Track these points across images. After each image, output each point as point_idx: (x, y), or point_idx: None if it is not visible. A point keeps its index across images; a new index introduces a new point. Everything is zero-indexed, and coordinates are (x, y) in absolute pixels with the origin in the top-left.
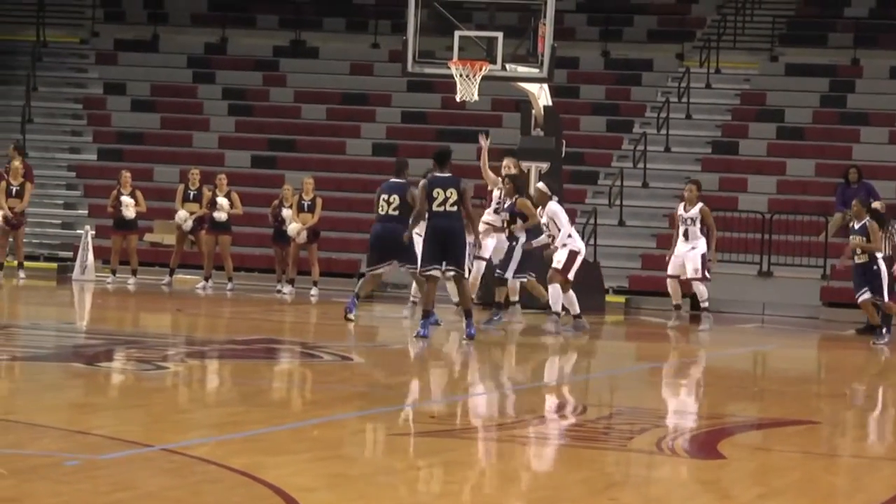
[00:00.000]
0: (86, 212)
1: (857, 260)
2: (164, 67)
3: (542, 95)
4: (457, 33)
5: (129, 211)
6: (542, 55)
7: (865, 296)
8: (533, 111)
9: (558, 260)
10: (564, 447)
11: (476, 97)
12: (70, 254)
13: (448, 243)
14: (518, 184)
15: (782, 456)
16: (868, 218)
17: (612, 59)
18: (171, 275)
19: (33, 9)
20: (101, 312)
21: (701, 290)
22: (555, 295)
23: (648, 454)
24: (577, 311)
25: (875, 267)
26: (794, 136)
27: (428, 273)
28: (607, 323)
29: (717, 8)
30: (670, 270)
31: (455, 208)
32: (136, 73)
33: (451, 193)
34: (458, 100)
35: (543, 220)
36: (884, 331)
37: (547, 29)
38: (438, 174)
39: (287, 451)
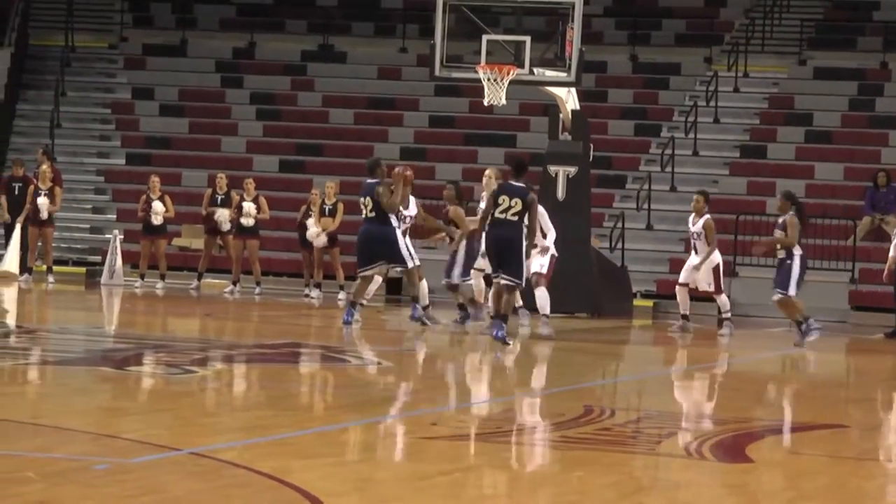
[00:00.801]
0: (114, 216)
1: (778, 255)
2: (193, 72)
3: (569, 99)
4: (484, 37)
5: (158, 218)
6: (570, 59)
7: (776, 297)
8: (561, 115)
9: (541, 264)
10: (593, 451)
11: (504, 101)
12: (98, 258)
13: (505, 252)
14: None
15: (811, 460)
16: (791, 212)
17: (640, 63)
18: (199, 279)
19: (62, 14)
20: (129, 316)
21: (723, 300)
22: (543, 298)
23: (677, 458)
24: (548, 311)
25: (788, 261)
26: (823, 139)
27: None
28: (635, 327)
29: (745, 12)
30: (681, 278)
31: (516, 218)
32: (165, 77)
33: (517, 203)
34: (485, 104)
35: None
36: (803, 328)
37: (575, 33)
38: (513, 182)
39: (314, 454)
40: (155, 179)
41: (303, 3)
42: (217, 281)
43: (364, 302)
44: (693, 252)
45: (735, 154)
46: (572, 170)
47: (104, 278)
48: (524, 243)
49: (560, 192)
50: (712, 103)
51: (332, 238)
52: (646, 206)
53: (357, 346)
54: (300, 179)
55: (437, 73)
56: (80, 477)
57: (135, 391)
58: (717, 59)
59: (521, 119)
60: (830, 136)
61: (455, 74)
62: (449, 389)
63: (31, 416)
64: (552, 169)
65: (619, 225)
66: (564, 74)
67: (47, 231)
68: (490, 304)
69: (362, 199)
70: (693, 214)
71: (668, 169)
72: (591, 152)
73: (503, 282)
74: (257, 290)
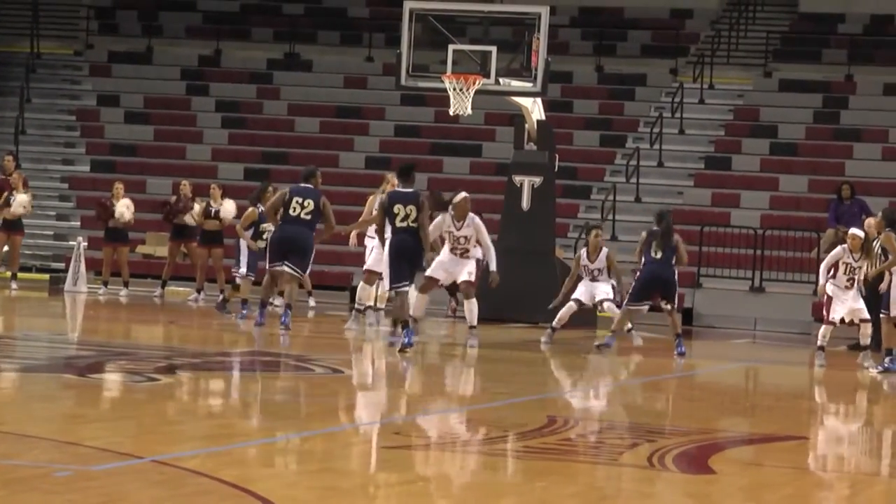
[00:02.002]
0: (78, 223)
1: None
2: (158, 80)
3: (535, 110)
4: (451, 47)
5: (125, 212)
6: (536, 69)
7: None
8: (526, 125)
9: (469, 272)
10: (555, 462)
11: (469, 111)
12: (62, 265)
13: (412, 258)
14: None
15: (774, 471)
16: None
17: (606, 74)
18: (163, 287)
19: (27, 20)
20: (92, 324)
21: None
22: (472, 310)
23: (639, 469)
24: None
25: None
26: (788, 151)
27: (399, 289)
28: (598, 338)
29: (710, 23)
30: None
31: (416, 224)
32: (130, 85)
33: (411, 210)
34: (451, 113)
35: (468, 233)
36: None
37: (541, 43)
38: (401, 189)
39: (277, 463)
40: (118, 186)
41: (269, 11)
42: (181, 289)
43: (273, 300)
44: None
45: (700, 165)
46: (537, 180)
47: (68, 285)
48: (313, 243)
49: (525, 203)
50: (678, 115)
51: None
52: (610, 216)
53: (322, 355)
54: None
55: (403, 82)
56: (42, 484)
57: (98, 399)
58: (682, 71)
59: (487, 129)
60: (795, 149)
61: (421, 84)
62: (413, 398)
63: None
64: (517, 179)
65: (584, 236)
66: (530, 85)
67: (17, 238)
68: (395, 311)
69: (300, 200)
70: (587, 251)
71: (633, 180)
72: (557, 163)
73: (289, 272)
74: (221, 298)
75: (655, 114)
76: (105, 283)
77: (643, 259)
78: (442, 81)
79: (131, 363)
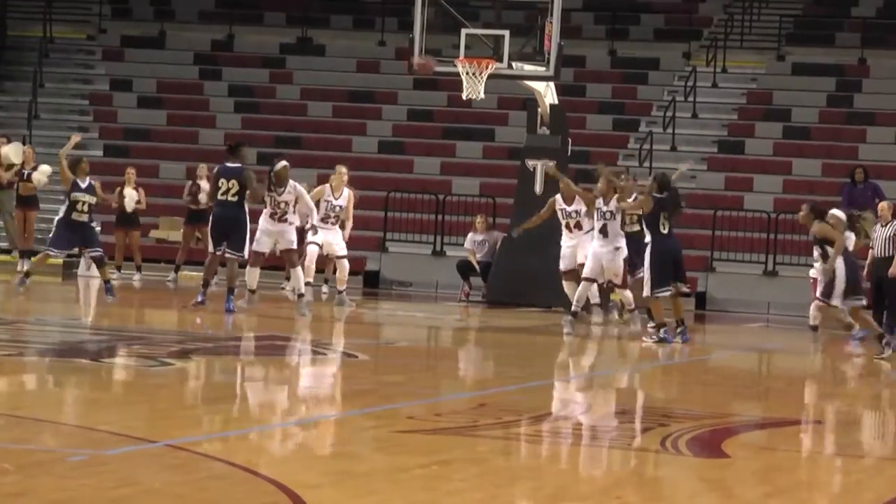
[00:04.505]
0: None
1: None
2: (171, 64)
3: (548, 94)
4: (463, 31)
5: (131, 205)
6: (549, 53)
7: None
8: (539, 109)
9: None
10: (569, 446)
11: (482, 95)
12: (76, 250)
13: (230, 230)
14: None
15: (787, 455)
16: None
17: (619, 58)
18: (176, 271)
19: (41, 5)
20: (106, 308)
21: (627, 296)
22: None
23: (653, 453)
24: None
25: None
26: (801, 135)
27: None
28: (610, 322)
29: (723, 7)
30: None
31: (236, 198)
32: (143, 69)
33: (234, 184)
34: (464, 98)
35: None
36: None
37: (553, 27)
38: (228, 164)
39: (290, 447)
40: (130, 171)
41: None
42: (195, 273)
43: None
44: (601, 236)
45: (713, 149)
46: (551, 164)
47: (81, 270)
48: (247, 221)
49: (538, 187)
50: (690, 98)
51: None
52: None
53: (335, 340)
54: None
55: (415, 66)
56: (56, 468)
57: (111, 383)
58: (695, 55)
59: (500, 113)
60: (808, 132)
61: (434, 68)
62: (426, 383)
63: (7, 407)
64: (530, 163)
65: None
66: (543, 69)
67: (31, 213)
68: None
69: (224, 181)
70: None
71: (647, 164)
72: (570, 146)
73: (228, 255)
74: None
75: (668, 98)
76: (118, 268)
77: (649, 234)
78: (455, 66)
79: (145, 348)
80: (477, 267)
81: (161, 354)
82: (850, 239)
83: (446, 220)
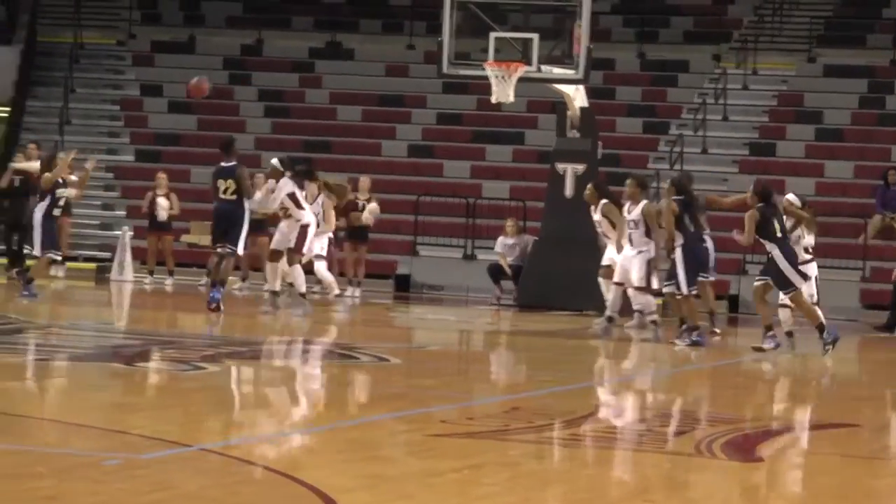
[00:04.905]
0: (124, 213)
1: None
2: (201, 69)
3: (577, 97)
4: (492, 35)
5: (163, 213)
6: (578, 56)
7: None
8: (569, 113)
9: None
10: (602, 449)
11: (512, 98)
12: (108, 254)
13: (230, 227)
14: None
15: (822, 459)
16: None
17: (648, 61)
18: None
19: (71, 11)
20: (139, 312)
21: (647, 300)
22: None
23: (686, 456)
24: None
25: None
26: (833, 137)
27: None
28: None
29: (753, 9)
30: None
31: (235, 196)
32: (173, 74)
33: (231, 183)
34: (493, 101)
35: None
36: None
37: (582, 30)
38: (224, 164)
39: (325, 451)
40: (161, 176)
41: (310, 0)
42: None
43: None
44: (629, 244)
45: (744, 152)
46: (580, 167)
47: (114, 274)
48: (246, 218)
49: (568, 190)
50: (721, 101)
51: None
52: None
53: (367, 343)
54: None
55: (444, 70)
56: (90, 473)
57: (145, 387)
58: (725, 57)
59: (529, 116)
60: (840, 134)
61: (463, 72)
62: (458, 387)
63: (41, 411)
64: (560, 167)
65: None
66: (572, 72)
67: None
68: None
69: (222, 181)
70: (628, 202)
71: (677, 167)
72: (600, 150)
73: (222, 250)
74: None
75: (699, 100)
76: (150, 273)
77: (680, 234)
78: (484, 69)
79: (178, 352)
80: (508, 270)
81: (194, 358)
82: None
83: (477, 223)
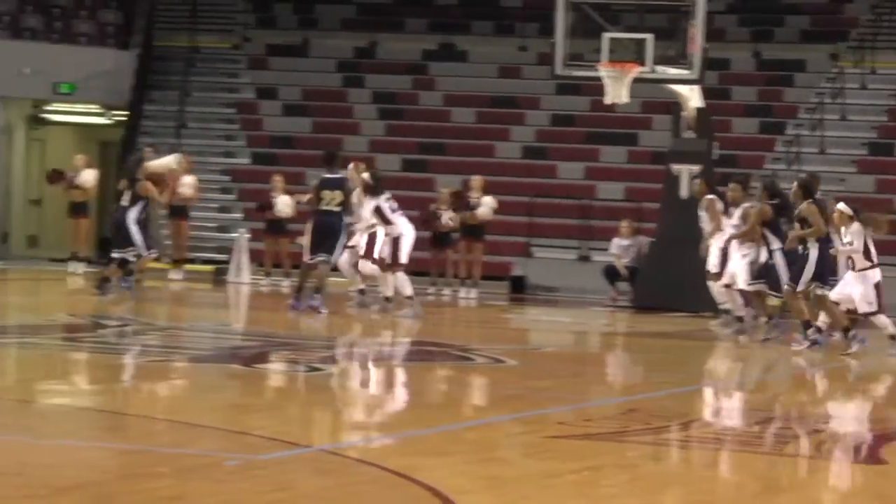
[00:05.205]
0: (241, 215)
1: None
2: (315, 72)
3: (693, 97)
4: (606, 35)
5: (286, 209)
6: (693, 56)
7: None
8: (684, 113)
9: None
10: (720, 451)
11: (626, 99)
12: (225, 256)
13: (330, 238)
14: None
15: None
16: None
17: (764, 60)
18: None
19: (187, 15)
20: (256, 314)
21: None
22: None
23: (806, 458)
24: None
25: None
26: None
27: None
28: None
29: (871, 7)
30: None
31: (339, 208)
32: (288, 77)
33: (337, 195)
34: (607, 102)
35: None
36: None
37: (697, 30)
38: (329, 175)
39: (443, 452)
40: (277, 178)
41: (423, 2)
42: (342, 280)
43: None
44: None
45: (863, 151)
46: (696, 168)
47: (231, 276)
48: (345, 229)
49: (684, 191)
50: (838, 100)
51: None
52: None
53: (482, 345)
54: (422, 178)
55: (558, 71)
56: (211, 473)
57: (263, 388)
58: (842, 56)
59: (644, 117)
60: None
61: (576, 73)
62: (575, 388)
63: (163, 412)
64: (675, 167)
65: None
66: (687, 72)
67: (182, 223)
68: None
69: (329, 192)
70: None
71: (795, 167)
72: (716, 150)
73: (321, 260)
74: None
75: (816, 100)
76: (267, 274)
77: (775, 237)
78: (597, 70)
79: (295, 353)
80: (623, 272)
81: (311, 360)
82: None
83: (591, 224)
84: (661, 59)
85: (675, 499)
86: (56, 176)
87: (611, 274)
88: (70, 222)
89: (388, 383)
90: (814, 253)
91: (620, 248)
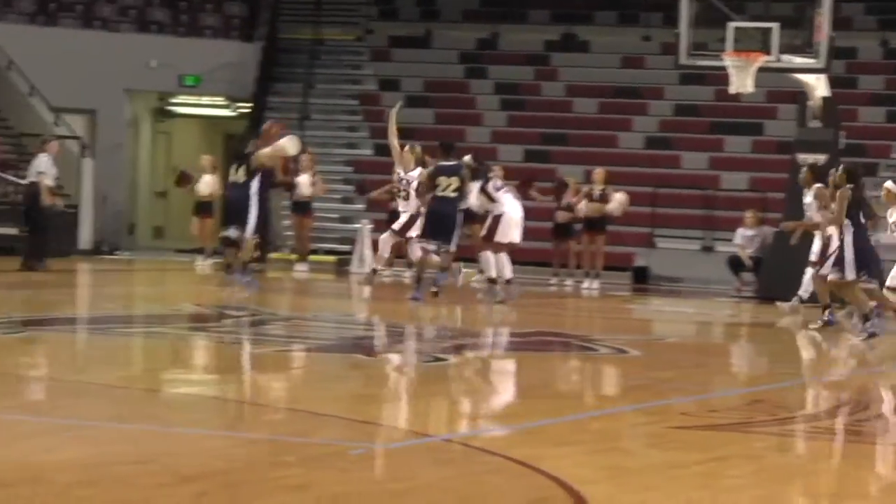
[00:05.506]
0: (363, 206)
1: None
2: (437, 63)
3: (819, 86)
4: (731, 24)
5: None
6: (819, 45)
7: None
8: (809, 102)
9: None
10: (847, 443)
11: (751, 89)
12: (348, 247)
13: (448, 225)
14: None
15: None
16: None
17: (891, 49)
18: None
19: (311, 8)
20: (379, 305)
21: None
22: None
23: None
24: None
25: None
26: None
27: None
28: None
29: None
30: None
31: (455, 194)
32: (410, 69)
33: (454, 181)
34: (732, 92)
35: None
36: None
37: (824, 19)
38: (445, 163)
39: (566, 442)
40: (306, 157)
41: None
42: (467, 270)
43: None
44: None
45: None
46: (822, 158)
47: (354, 267)
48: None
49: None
50: None
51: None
52: None
53: (605, 335)
54: (545, 169)
55: (682, 61)
56: (337, 462)
57: (386, 378)
58: None
59: (769, 107)
60: None
61: (701, 62)
62: (698, 379)
63: (288, 401)
64: (801, 157)
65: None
66: (813, 61)
67: (305, 220)
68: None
69: (445, 178)
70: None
71: None
72: (842, 140)
73: (435, 247)
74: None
75: None
76: (389, 265)
77: (850, 222)
78: (722, 59)
79: (418, 343)
80: (748, 262)
81: (434, 349)
82: None
83: (715, 215)
84: (787, 48)
85: (802, 490)
86: (185, 179)
87: (735, 264)
88: (194, 220)
89: (511, 373)
90: (849, 240)
91: (745, 239)
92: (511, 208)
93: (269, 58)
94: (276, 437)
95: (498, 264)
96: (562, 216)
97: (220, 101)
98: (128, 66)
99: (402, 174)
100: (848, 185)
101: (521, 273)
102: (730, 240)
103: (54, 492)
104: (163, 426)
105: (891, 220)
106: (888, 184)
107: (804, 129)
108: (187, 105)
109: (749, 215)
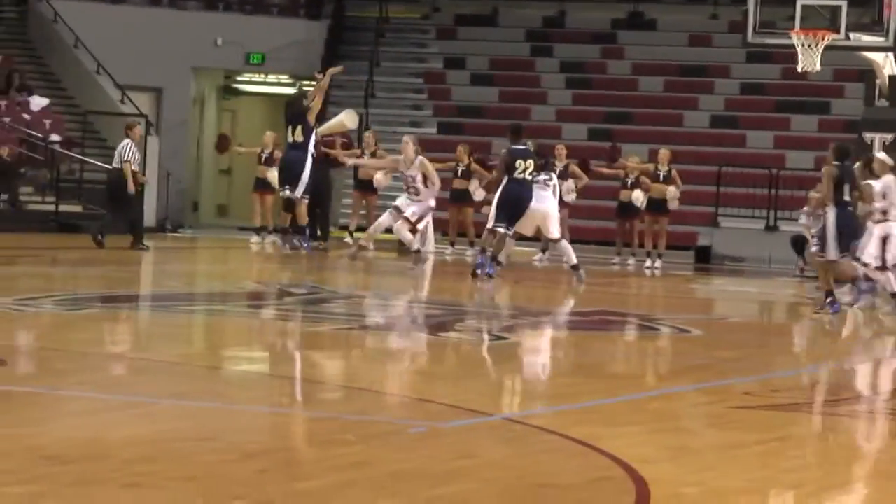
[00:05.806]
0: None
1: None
2: (503, 41)
3: (887, 65)
4: (799, 2)
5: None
6: (888, 23)
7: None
8: (877, 81)
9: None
10: None
11: (818, 67)
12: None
13: (522, 208)
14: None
15: None
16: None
17: None
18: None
19: None
20: (440, 283)
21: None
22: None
23: None
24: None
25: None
26: None
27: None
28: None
29: None
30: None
31: (530, 177)
32: (476, 47)
33: (530, 163)
34: (799, 70)
35: (877, 189)
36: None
37: None
38: (517, 146)
39: (625, 422)
40: (461, 148)
41: None
42: (526, 249)
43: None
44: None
45: None
46: (889, 136)
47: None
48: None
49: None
50: None
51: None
52: None
53: (667, 314)
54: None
55: (749, 39)
56: (396, 440)
57: (447, 356)
58: None
59: (836, 85)
60: None
61: (768, 41)
62: (760, 359)
63: (347, 379)
64: (868, 136)
65: None
66: (882, 39)
67: (371, 198)
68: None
69: (521, 161)
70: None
71: None
72: None
73: (507, 231)
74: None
75: None
76: (452, 244)
77: (833, 204)
78: (789, 37)
79: (479, 322)
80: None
81: (495, 328)
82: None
83: (780, 194)
84: (855, 26)
85: (865, 471)
86: (223, 142)
87: (798, 243)
88: (255, 196)
89: (571, 352)
90: (831, 219)
91: (809, 218)
92: (538, 201)
93: (334, 36)
94: (337, 415)
95: (507, 247)
96: (624, 195)
97: (285, 79)
98: (194, 43)
99: (404, 171)
100: (835, 163)
101: (584, 252)
102: (794, 219)
103: (117, 468)
104: (225, 403)
105: (876, 191)
106: (880, 154)
107: (871, 108)
108: (253, 83)
109: (814, 194)
